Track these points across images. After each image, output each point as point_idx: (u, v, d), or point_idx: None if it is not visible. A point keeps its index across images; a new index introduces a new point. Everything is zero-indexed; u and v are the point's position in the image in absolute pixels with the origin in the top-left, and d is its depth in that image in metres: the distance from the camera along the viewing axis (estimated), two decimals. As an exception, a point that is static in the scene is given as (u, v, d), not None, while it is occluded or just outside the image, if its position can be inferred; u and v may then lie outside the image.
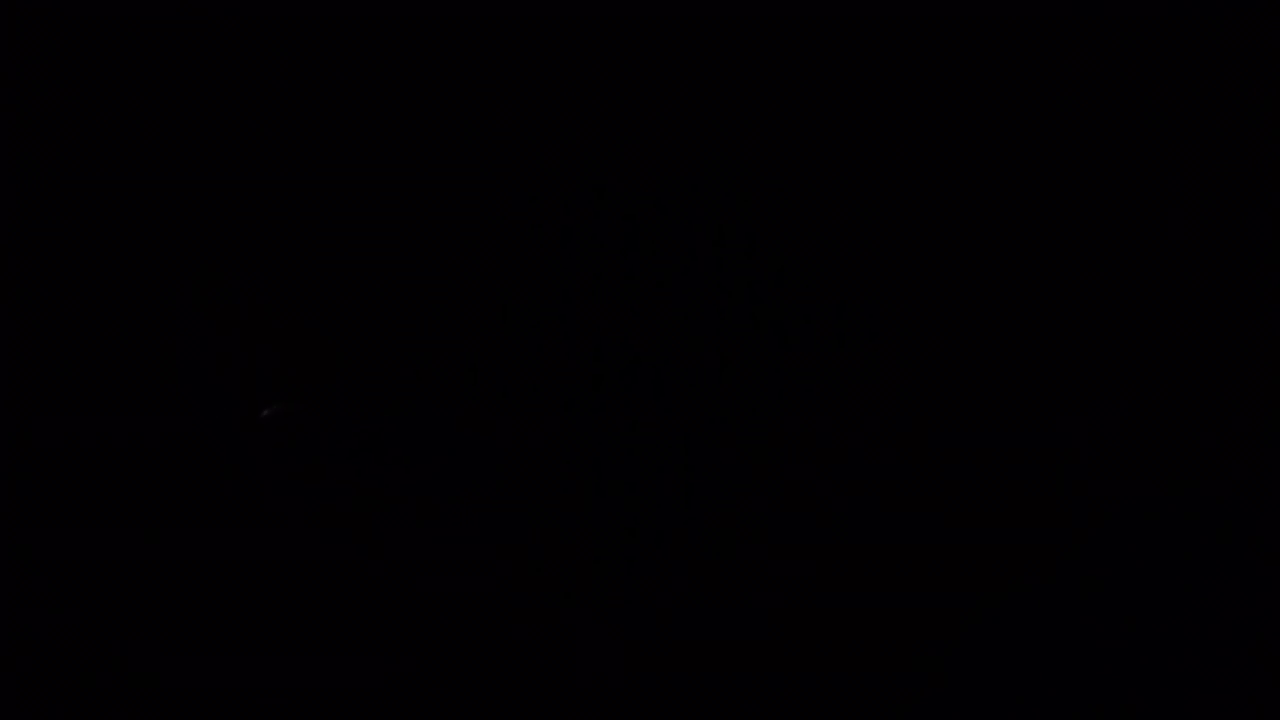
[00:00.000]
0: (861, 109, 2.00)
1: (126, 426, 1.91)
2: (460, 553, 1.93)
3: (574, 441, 2.01)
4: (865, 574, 1.87)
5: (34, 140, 1.99)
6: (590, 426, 2.00)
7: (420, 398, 2.03)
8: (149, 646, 1.78)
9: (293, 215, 2.07)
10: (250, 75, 2.06)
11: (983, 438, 1.91)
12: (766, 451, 1.98)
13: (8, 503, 1.84)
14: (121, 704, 1.74)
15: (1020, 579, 1.83)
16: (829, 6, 1.96)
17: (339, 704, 1.78)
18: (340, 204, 2.06)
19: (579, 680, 1.84)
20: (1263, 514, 1.78)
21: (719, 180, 2.02)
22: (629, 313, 2.03)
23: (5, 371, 1.89)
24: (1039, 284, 1.94)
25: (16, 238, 1.96)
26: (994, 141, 1.94)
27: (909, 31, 1.97)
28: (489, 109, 2.08)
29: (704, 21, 2.01)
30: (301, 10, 2.07)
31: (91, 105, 2.05)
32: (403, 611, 1.87)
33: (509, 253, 2.05)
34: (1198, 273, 1.92)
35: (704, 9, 1.99)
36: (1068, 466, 1.87)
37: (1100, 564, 1.80)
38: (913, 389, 1.94)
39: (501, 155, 2.09)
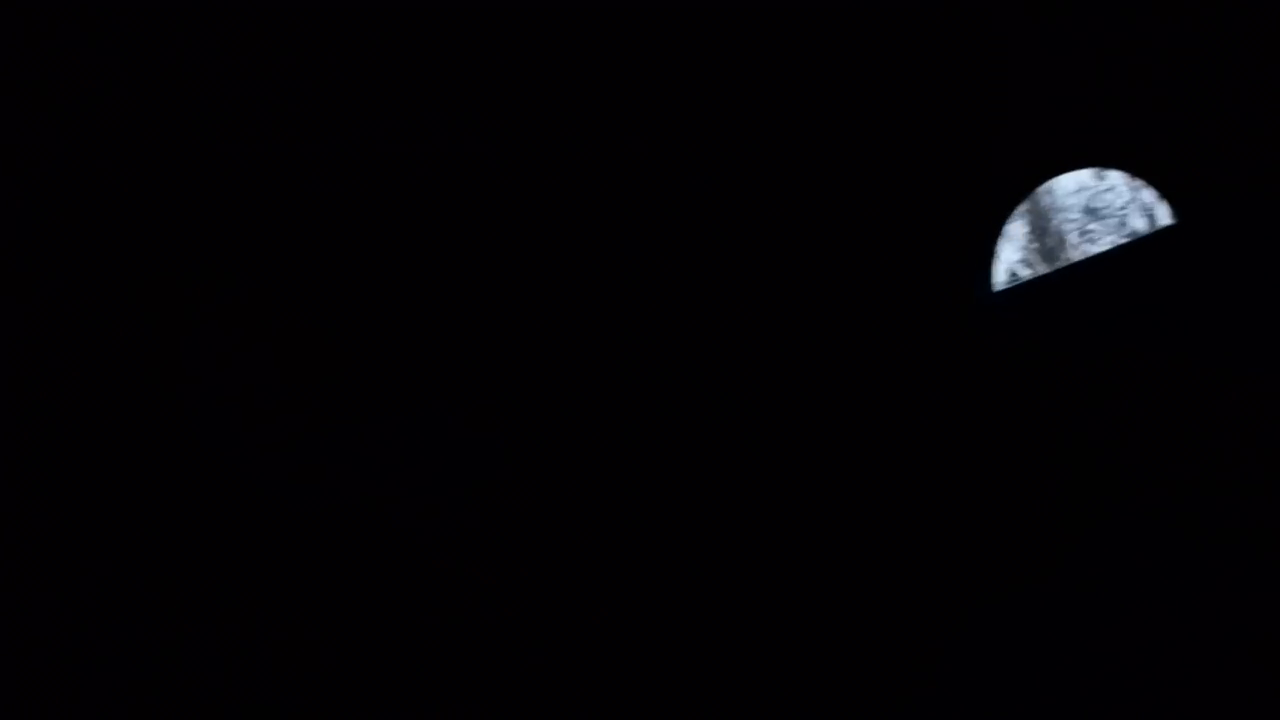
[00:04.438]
0: (857, 109, 1.97)
1: (126, 426, 1.94)
2: (459, 551, 1.93)
3: (573, 442, 2.00)
4: (865, 574, 1.84)
5: (35, 141, 2.04)
6: (589, 427, 1.99)
7: (420, 398, 2.04)
8: (148, 644, 1.80)
9: (292, 215, 2.10)
10: (251, 77, 2.10)
11: (983, 437, 1.86)
12: (764, 452, 1.95)
13: (8, 503, 1.87)
14: (120, 701, 1.76)
15: (1020, 578, 1.78)
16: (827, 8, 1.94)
17: (338, 701, 1.78)
18: (340, 205, 2.08)
19: (578, 678, 1.82)
20: (1263, 514, 1.71)
21: (719, 180, 2.01)
22: (628, 314, 2.03)
23: (5, 371, 1.94)
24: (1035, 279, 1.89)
25: (17, 238, 2.02)
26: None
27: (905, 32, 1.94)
28: (489, 112, 2.10)
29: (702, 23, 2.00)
30: (302, 11, 2.10)
31: (91, 105, 2.10)
32: (402, 609, 1.86)
33: (508, 253, 2.06)
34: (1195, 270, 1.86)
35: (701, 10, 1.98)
36: (1066, 465, 1.82)
37: (1100, 563, 1.75)
38: (910, 388, 1.90)
39: (501, 156, 2.10)
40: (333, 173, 2.00)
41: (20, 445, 1.87)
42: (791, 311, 1.96)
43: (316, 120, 2.02)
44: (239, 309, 1.96)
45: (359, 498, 1.93)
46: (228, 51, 1.99)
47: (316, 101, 2.02)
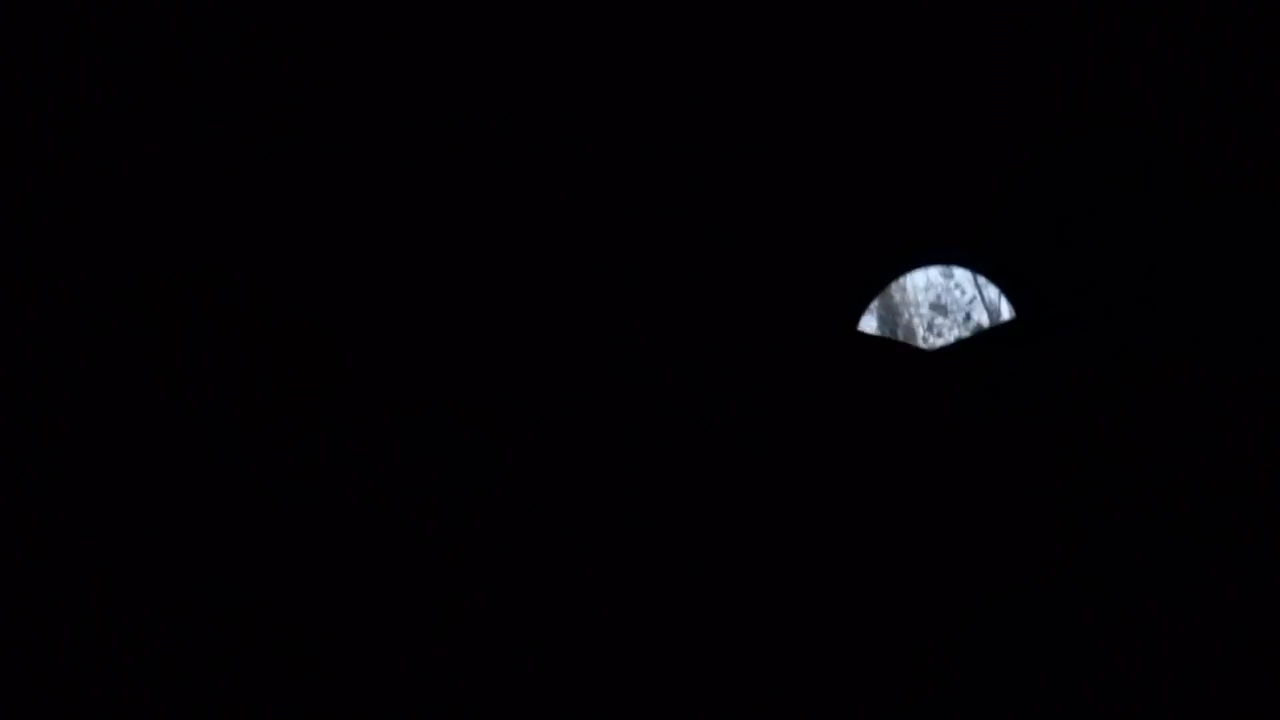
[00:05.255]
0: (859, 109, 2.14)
1: (126, 426, 1.82)
2: (459, 551, 1.88)
3: (573, 442, 2.01)
4: (864, 574, 1.91)
5: (36, 141, 1.94)
6: (589, 427, 2.01)
7: (420, 398, 2.00)
8: (148, 644, 1.68)
9: (293, 216, 2.05)
10: (251, 76, 2.07)
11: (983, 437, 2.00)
12: (764, 452, 2.02)
13: (9, 503, 1.76)
14: (122, 702, 1.64)
15: (1020, 578, 1.89)
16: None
17: (338, 702, 1.70)
18: (341, 206, 2.06)
19: (577, 678, 1.80)
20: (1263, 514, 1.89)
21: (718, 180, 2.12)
22: (628, 314, 2.08)
23: (6, 372, 1.81)
24: (1037, 281, 2.09)
25: (18, 238, 1.89)
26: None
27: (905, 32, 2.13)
28: (489, 112, 2.14)
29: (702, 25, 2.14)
30: (302, 12, 2.11)
31: (93, 106, 2.01)
32: (402, 610, 1.80)
33: (508, 254, 2.09)
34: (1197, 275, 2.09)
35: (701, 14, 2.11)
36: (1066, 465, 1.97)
37: (1099, 564, 1.87)
38: (909, 387, 2.03)
39: (501, 156, 2.14)
40: (333, 173, 1.99)
41: (19, 445, 1.75)
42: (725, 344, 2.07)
43: (316, 120, 2.01)
44: (239, 309, 1.89)
45: (359, 498, 1.86)
46: (228, 51, 1.97)
47: (316, 101, 2.02)
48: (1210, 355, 1.92)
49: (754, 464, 1.99)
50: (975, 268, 2.56)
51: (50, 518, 1.75)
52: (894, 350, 2.10)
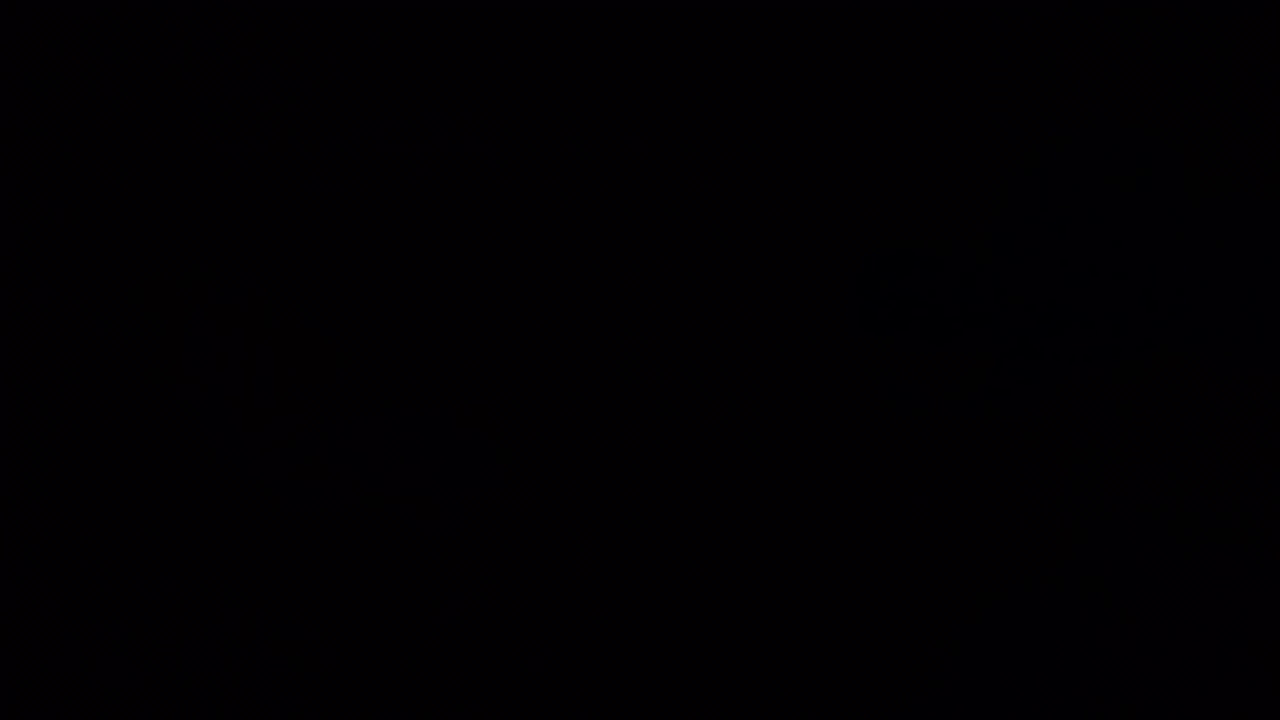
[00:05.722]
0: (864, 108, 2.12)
1: (126, 426, 1.84)
2: (459, 554, 1.89)
3: (573, 442, 2.01)
4: (864, 573, 1.90)
5: (34, 140, 1.94)
6: (589, 427, 2.00)
7: (420, 398, 2.00)
8: (148, 647, 1.70)
9: (293, 215, 2.05)
10: (250, 75, 2.07)
11: (982, 435, 1.99)
12: (762, 450, 2.01)
13: (8, 504, 1.80)
14: (121, 704, 1.71)
15: (1019, 578, 1.87)
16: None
17: (338, 702, 1.72)
18: (340, 204, 2.05)
19: (578, 680, 1.80)
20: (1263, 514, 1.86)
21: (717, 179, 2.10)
22: (628, 313, 2.07)
23: (5, 373, 1.88)
24: (1037, 279, 2.07)
25: (17, 238, 1.90)
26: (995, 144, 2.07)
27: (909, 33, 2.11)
28: (487, 109, 2.13)
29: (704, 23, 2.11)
30: (301, 10, 2.10)
31: (92, 105, 2.01)
32: (403, 612, 1.81)
33: (508, 252, 2.07)
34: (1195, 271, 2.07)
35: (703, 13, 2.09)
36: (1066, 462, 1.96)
37: (1099, 564, 1.85)
38: (908, 386, 2.02)
39: (501, 155, 2.13)
40: (332, 173, 1.99)
41: (18, 444, 1.81)
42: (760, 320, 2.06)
43: (316, 120, 2.01)
44: (239, 309, 1.90)
45: (358, 497, 1.86)
46: (228, 51, 1.98)
47: (316, 101, 2.02)
48: (1207, 354, 1.93)
49: (753, 463, 1.99)
50: (957, 265, 2.53)
51: (47, 516, 1.77)
52: (882, 348, 2.10)
